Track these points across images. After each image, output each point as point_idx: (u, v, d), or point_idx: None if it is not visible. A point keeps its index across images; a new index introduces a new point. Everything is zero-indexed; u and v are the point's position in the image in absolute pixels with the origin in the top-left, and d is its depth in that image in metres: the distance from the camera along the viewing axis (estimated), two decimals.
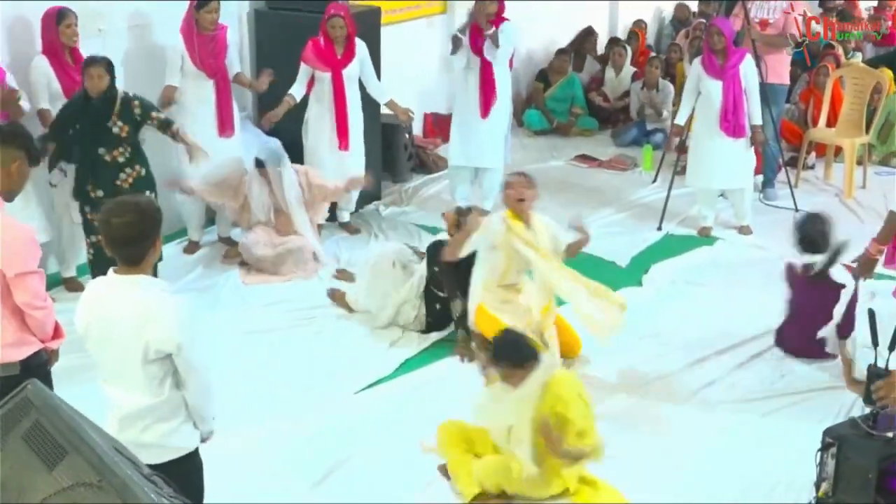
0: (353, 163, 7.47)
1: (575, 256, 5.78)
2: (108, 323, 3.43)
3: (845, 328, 5.65)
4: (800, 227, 5.99)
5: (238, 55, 7.34)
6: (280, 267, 6.91)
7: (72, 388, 3.97)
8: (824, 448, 4.08)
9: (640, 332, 6.14)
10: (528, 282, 5.81)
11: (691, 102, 7.70)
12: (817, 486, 4.16)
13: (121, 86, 6.57)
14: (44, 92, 6.24)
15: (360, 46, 7.31)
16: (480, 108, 7.70)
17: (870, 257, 5.53)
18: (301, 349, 6.00)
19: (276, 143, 7.13)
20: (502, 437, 4.52)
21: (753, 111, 7.54)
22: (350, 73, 7.27)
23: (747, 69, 7.49)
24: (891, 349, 3.99)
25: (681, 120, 7.86)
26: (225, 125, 7.04)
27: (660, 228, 7.93)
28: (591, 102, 10.91)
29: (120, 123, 6.01)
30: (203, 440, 3.70)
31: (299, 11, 7.79)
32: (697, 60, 7.65)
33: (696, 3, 12.37)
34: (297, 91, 7.29)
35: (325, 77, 7.23)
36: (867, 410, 4.03)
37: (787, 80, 8.63)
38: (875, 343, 4.03)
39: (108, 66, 6.01)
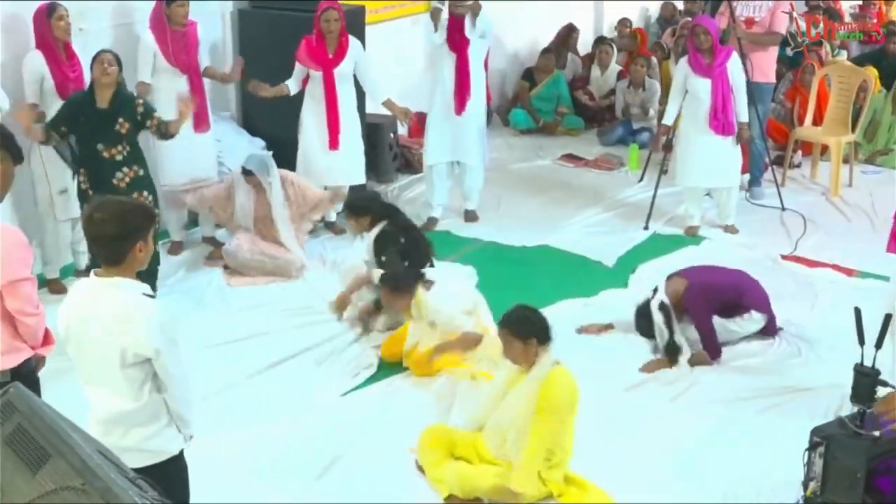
0: (348, 162, 7.46)
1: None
2: (86, 325, 3.39)
3: None
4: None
5: (208, 51, 7.30)
6: (264, 272, 6.90)
7: (58, 389, 3.96)
8: (812, 447, 4.09)
9: (628, 331, 6.14)
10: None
11: (678, 102, 7.70)
12: (805, 485, 4.17)
13: None
14: (35, 86, 6.21)
15: (354, 44, 7.29)
16: (456, 104, 7.66)
17: None
18: (286, 351, 5.95)
19: (264, 152, 7.11)
20: (499, 438, 4.50)
21: (740, 109, 7.56)
22: (342, 72, 7.24)
23: (734, 67, 7.50)
24: (877, 347, 4.01)
25: (668, 120, 7.87)
26: (200, 121, 7.00)
27: (646, 228, 7.93)
28: (577, 101, 10.91)
29: (121, 120, 5.97)
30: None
31: (283, 10, 7.76)
32: (684, 60, 7.65)
33: (682, 1, 12.39)
34: (292, 85, 7.26)
35: (317, 76, 7.21)
36: (855, 410, 4.04)
37: (772, 79, 8.66)
38: (861, 342, 4.04)
39: (118, 58, 6.01)
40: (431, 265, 6.31)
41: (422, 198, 8.35)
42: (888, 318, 4.12)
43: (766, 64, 8.33)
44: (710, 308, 5.88)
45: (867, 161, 9.66)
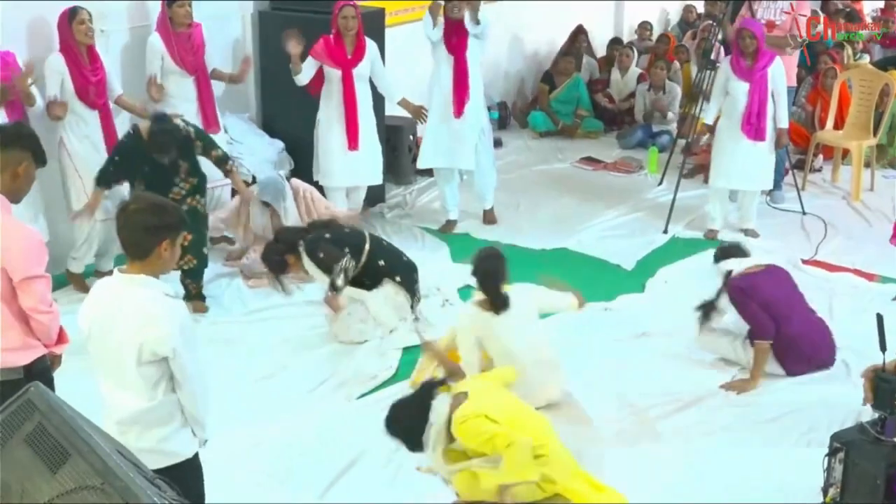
0: (366, 163, 7.45)
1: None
2: (107, 322, 3.40)
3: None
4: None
5: (222, 52, 7.33)
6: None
7: (75, 390, 3.97)
8: (832, 453, 4.07)
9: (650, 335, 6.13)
10: None
11: (719, 102, 7.69)
12: (825, 491, 4.14)
13: (121, 85, 6.61)
14: (56, 88, 6.23)
15: (371, 45, 7.29)
16: (454, 107, 7.62)
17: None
18: (303, 352, 5.98)
19: (274, 176, 7.11)
20: None
21: (781, 114, 7.54)
22: (360, 72, 7.24)
23: (776, 72, 7.47)
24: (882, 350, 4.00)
25: (709, 119, 7.86)
26: (209, 122, 7.04)
27: (666, 231, 7.90)
28: (597, 104, 10.89)
29: (182, 163, 6.10)
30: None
31: (302, 12, 7.78)
32: (726, 60, 7.65)
33: (702, 3, 12.35)
34: (303, 78, 7.21)
35: (335, 76, 7.20)
36: (875, 416, 4.01)
37: (793, 82, 8.62)
38: (883, 348, 4.02)
39: (174, 133, 6.09)
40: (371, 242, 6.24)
41: (438, 201, 8.35)
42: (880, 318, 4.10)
43: (787, 67, 8.27)
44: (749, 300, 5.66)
45: (889, 165, 9.60)
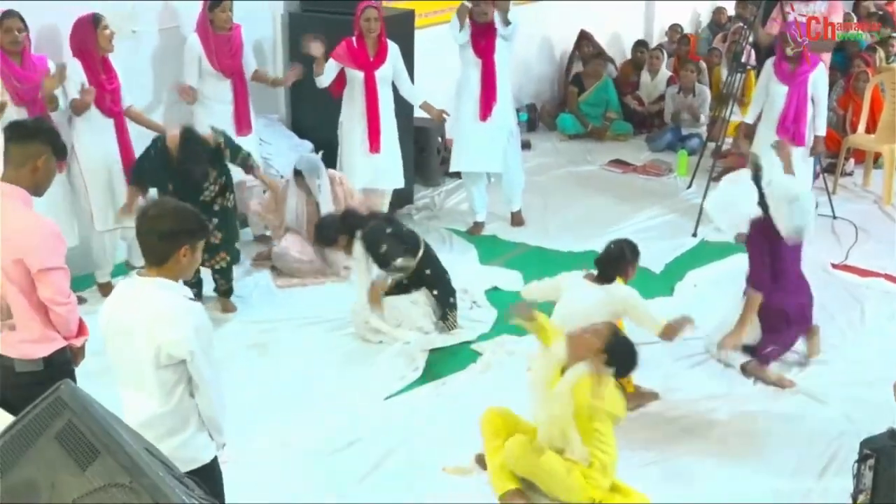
0: (388, 166, 7.44)
1: None
2: (125, 324, 3.39)
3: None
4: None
5: (252, 53, 7.34)
6: (313, 274, 6.95)
7: (100, 390, 3.99)
8: (862, 459, 4.03)
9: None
10: None
11: (761, 103, 7.66)
12: (854, 497, 4.11)
13: (151, 87, 6.64)
14: (76, 91, 6.17)
15: (393, 48, 7.28)
16: (481, 110, 7.61)
17: None
18: (332, 352, 5.99)
19: (313, 154, 7.16)
20: (548, 434, 4.47)
21: (819, 122, 7.50)
22: (383, 75, 7.23)
23: (818, 78, 7.43)
24: None
25: (750, 119, 7.83)
26: (242, 124, 7.05)
27: (695, 235, 7.86)
28: (626, 107, 10.85)
29: (211, 171, 6.14)
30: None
31: (332, 13, 7.79)
32: (769, 62, 7.61)
33: (733, 3, 12.28)
34: (324, 80, 7.21)
35: (357, 78, 7.19)
36: None
37: None
38: None
39: (204, 147, 6.12)
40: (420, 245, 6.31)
41: (466, 202, 8.36)
42: None
43: None
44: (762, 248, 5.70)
45: None
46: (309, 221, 6.99)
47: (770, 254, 5.61)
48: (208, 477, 3.49)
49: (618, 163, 9.75)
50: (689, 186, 8.93)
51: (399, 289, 6.29)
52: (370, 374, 5.74)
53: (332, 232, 6.28)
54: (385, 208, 7.71)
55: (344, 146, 7.42)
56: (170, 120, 6.65)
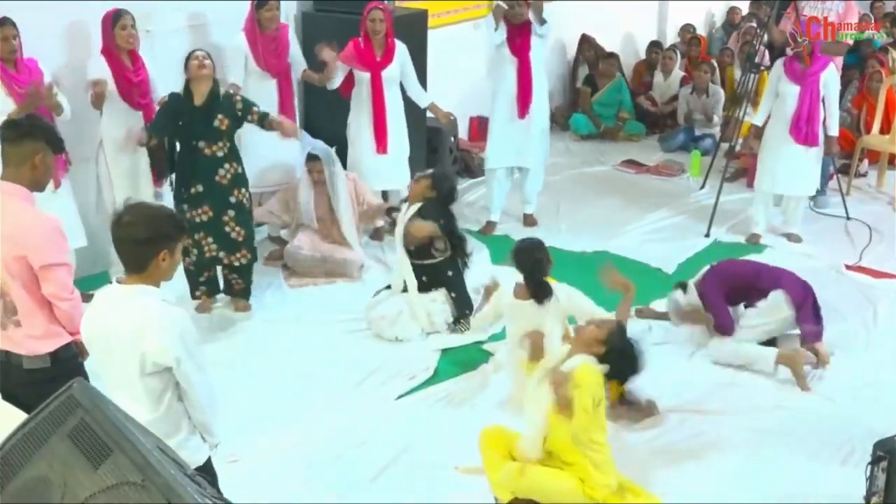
0: (396, 166, 7.46)
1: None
2: (107, 333, 3.37)
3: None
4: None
5: (301, 53, 7.37)
6: (325, 273, 6.95)
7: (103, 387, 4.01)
8: (875, 461, 4.02)
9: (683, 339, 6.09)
10: None
11: (770, 104, 7.61)
12: (867, 499, 4.09)
13: (178, 84, 6.66)
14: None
15: (401, 48, 7.30)
16: (518, 108, 7.65)
17: None
18: (343, 352, 6.00)
19: (326, 146, 7.16)
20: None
21: (831, 122, 7.46)
22: (390, 75, 7.25)
23: (829, 78, 7.39)
24: None
25: (759, 120, 7.79)
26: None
27: (707, 235, 7.85)
28: (639, 107, 10.83)
29: (220, 116, 6.02)
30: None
31: (346, 13, 7.80)
32: (780, 62, 7.58)
33: (748, 4, 12.24)
34: (335, 82, 7.25)
35: (364, 79, 7.21)
36: None
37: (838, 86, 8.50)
38: None
39: (210, 56, 6.07)
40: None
41: (481, 201, 8.35)
42: None
43: None
44: (720, 288, 5.91)
45: None
46: (320, 218, 7.01)
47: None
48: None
49: (630, 163, 9.74)
50: (702, 187, 8.91)
51: (419, 288, 6.27)
52: (381, 374, 5.74)
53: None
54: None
55: (352, 146, 7.44)
56: None
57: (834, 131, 7.50)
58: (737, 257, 7.31)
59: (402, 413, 5.36)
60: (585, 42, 11.19)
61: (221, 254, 6.20)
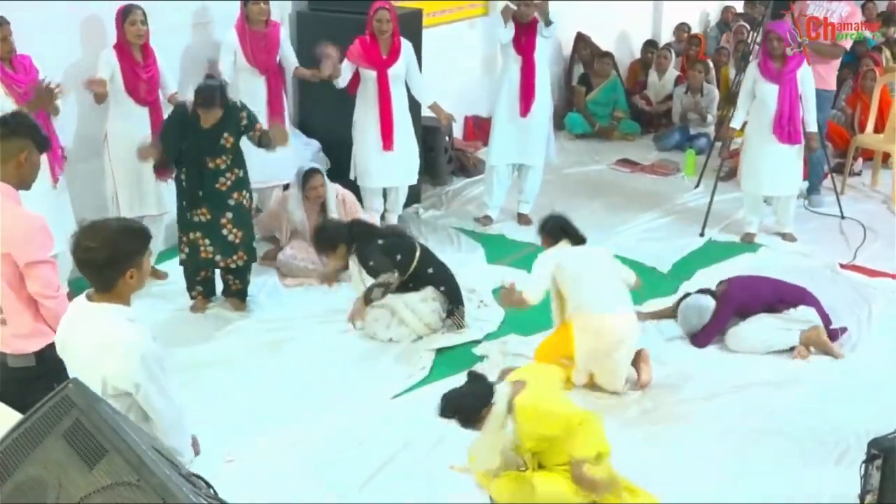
0: (403, 163, 7.47)
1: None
2: (72, 350, 3.30)
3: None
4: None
5: (294, 54, 7.38)
6: (319, 278, 6.94)
7: None
8: (869, 460, 4.01)
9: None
10: None
11: (747, 106, 7.61)
12: (862, 498, 4.09)
13: (175, 82, 6.67)
14: (106, 76, 6.26)
15: (406, 46, 7.31)
16: (521, 106, 7.69)
17: None
18: (339, 351, 6.00)
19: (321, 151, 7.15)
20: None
21: (809, 118, 7.45)
22: (396, 73, 7.26)
23: (804, 75, 7.38)
24: None
25: (736, 123, 7.78)
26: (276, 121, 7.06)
27: (702, 234, 7.86)
28: (634, 106, 10.84)
29: (226, 134, 6.04)
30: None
31: (340, 13, 7.80)
32: (754, 63, 7.57)
33: (743, 2, 12.25)
34: (341, 81, 7.24)
35: (370, 76, 7.22)
36: None
37: (833, 86, 8.52)
38: None
39: (223, 88, 6.07)
40: (423, 253, 6.32)
41: (476, 200, 8.36)
42: None
43: (827, 71, 8.19)
44: (735, 303, 5.98)
45: None
46: (312, 229, 6.99)
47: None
48: None
49: (625, 162, 9.74)
50: (697, 186, 8.92)
51: (405, 289, 6.27)
52: (377, 373, 5.74)
53: (330, 241, 6.27)
54: (400, 207, 7.74)
55: (357, 144, 7.44)
56: None
57: (812, 127, 7.49)
58: (733, 257, 7.35)
59: (400, 412, 5.36)
60: (581, 41, 11.18)
61: (217, 257, 6.19)
